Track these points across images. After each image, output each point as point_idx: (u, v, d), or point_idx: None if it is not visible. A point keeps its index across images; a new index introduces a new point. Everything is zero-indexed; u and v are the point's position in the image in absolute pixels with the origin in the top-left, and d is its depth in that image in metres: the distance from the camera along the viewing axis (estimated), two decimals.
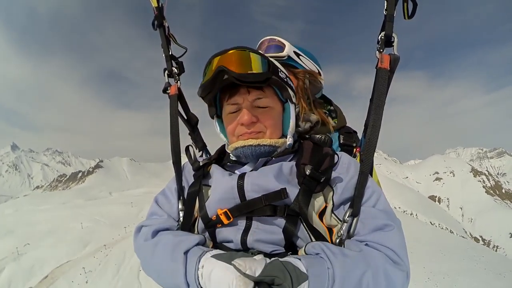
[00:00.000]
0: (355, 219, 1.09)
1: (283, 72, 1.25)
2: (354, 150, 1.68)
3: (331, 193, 1.16)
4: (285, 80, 1.23)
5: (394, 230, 1.02)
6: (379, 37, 1.27)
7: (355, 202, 1.10)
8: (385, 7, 1.25)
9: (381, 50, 1.27)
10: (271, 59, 1.24)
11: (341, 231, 1.09)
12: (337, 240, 1.10)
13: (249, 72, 1.11)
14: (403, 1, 1.26)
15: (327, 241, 1.14)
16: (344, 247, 1.03)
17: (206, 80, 1.17)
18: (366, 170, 1.15)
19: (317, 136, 1.58)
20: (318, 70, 1.87)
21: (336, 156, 1.21)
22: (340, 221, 1.12)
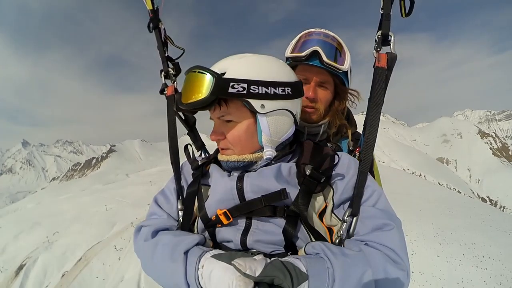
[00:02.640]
0: (354, 219, 1.09)
1: (241, 82, 1.06)
2: (354, 150, 1.63)
3: (331, 193, 1.16)
4: (242, 92, 1.07)
5: (394, 229, 1.02)
6: (376, 36, 1.26)
7: (354, 202, 1.10)
8: (382, 6, 1.24)
9: (378, 49, 1.27)
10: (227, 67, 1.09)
11: (341, 231, 1.09)
12: (337, 240, 1.10)
13: (189, 102, 1.08)
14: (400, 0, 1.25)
15: (327, 241, 1.14)
16: (344, 246, 1.03)
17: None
18: (365, 169, 1.15)
19: (329, 145, 1.60)
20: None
21: (336, 156, 1.19)
22: (340, 221, 1.12)
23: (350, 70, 1.65)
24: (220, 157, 1.24)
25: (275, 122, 1.16)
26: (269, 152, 1.18)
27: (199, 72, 1.09)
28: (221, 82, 1.06)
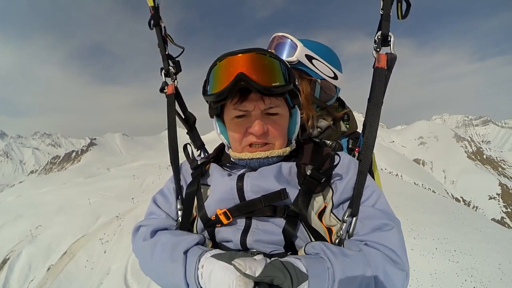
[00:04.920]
0: (354, 219, 1.09)
1: (294, 78, 1.17)
2: (354, 149, 1.63)
3: (330, 193, 1.15)
4: (298, 87, 1.18)
5: (393, 229, 1.02)
6: (375, 37, 1.26)
7: (353, 202, 1.10)
8: (381, 6, 1.25)
9: (378, 49, 1.27)
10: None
11: (341, 231, 1.09)
12: (337, 240, 1.09)
13: (273, 84, 1.06)
14: (397, 2, 1.26)
15: (327, 241, 1.13)
16: (343, 247, 1.02)
17: (223, 88, 1.07)
18: (365, 169, 1.15)
19: (328, 142, 1.59)
20: (334, 74, 1.72)
21: (337, 156, 1.18)
22: (340, 221, 1.11)
23: (313, 59, 1.66)
24: (255, 154, 1.18)
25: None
26: (294, 144, 1.27)
27: (270, 56, 1.11)
28: (291, 72, 1.14)
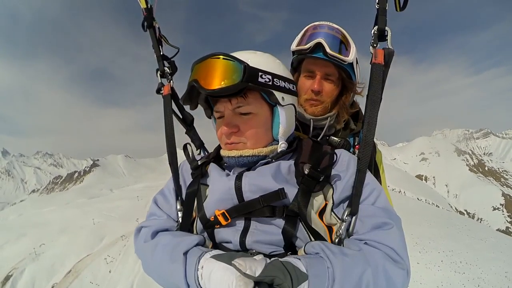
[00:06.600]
0: (353, 218, 1.08)
1: (267, 74, 1.12)
2: (354, 148, 1.61)
3: (331, 191, 1.15)
4: (269, 83, 1.12)
5: (394, 228, 1.01)
6: (372, 32, 1.24)
7: (353, 201, 1.09)
8: (377, 1, 1.22)
9: (375, 45, 1.24)
10: (252, 56, 1.14)
11: (340, 230, 1.08)
12: (337, 240, 1.09)
13: (217, 87, 1.05)
14: None
15: (327, 240, 1.13)
16: (343, 246, 1.02)
17: (184, 93, 1.17)
18: (363, 167, 1.14)
19: (336, 139, 1.56)
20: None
21: (335, 154, 1.19)
22: (340, 219, 1.11)
23: (357, 63, 1.62)
24: (230, 152, 1.19)
25: (290, 115, 1.24)
26: (283, 145, 1.22)
27: (224, 58, 1.08)
28: (251, 70, 1.07)
